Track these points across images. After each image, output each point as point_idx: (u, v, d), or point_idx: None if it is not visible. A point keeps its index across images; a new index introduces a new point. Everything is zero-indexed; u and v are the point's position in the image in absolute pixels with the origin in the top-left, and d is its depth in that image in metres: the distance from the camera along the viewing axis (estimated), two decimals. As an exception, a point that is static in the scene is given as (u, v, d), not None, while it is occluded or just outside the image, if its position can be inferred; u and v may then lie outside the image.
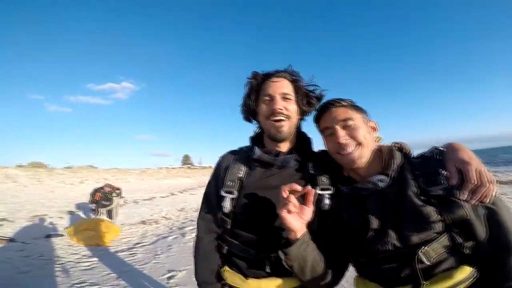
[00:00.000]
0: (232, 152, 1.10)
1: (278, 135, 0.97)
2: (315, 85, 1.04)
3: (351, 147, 0.88)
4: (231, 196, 0.94)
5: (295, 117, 1.00)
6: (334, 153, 0.94)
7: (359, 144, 0.89)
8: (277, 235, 0.90)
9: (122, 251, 4.29)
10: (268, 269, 0.90)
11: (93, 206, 5.91)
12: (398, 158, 0.88)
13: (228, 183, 0.97)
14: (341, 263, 0.93)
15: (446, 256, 0.75)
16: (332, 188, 0.93)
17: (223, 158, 1.09)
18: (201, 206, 1.08)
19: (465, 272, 0.73)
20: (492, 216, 0.73)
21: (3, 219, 5.89)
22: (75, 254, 4.04)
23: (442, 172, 0.78)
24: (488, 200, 0.73)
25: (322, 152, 1.05)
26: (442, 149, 0.86)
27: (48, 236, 4.84)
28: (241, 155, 1.06)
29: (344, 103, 0.94)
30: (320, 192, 0.91)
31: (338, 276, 0.92)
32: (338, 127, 0.90)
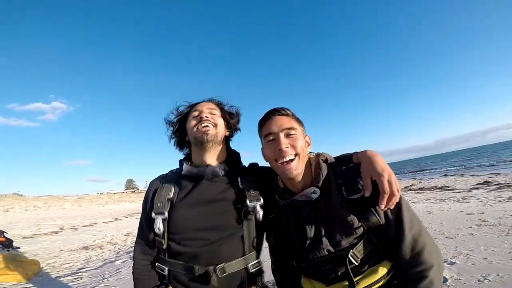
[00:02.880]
0: (162, 176, 1.12)
1: (204, 137, 1.01)
2: (233, 105, 1.21)
3: (289, 156, 0.91)
4: (161, 217, 0.96)
5: (222, 127, 1.09)
6: (272, 161, 0.96)
7: (297, 154, 0.93)
8: (217, 247, 0.94)
9: (65, 276, 4.05)
10: (215, 282, 0.91)
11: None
12: (324, 169, 0.95)
13: (158, 204, 0.98)
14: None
15: (370, 255, 0.88)
16: (261, 199, 1.00)
17: (152, 182, 1.10)
18: (137, 232, 1.09)
19: (386, 267, 0.87)
20: (397, 214, 0.86)
21: None
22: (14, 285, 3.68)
23: (360, 181, 0.88)
24: (393, 206, 0.85)
25: (250, 166, 1.16)
26: (358, 157, 0.94)
27: None
28: (170, 177, 1.08)
29: (289, 113, 0.98)
30: (251, 204, 0.98)
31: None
32: (282, 134, 0.93)
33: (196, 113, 1.07)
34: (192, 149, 1.11)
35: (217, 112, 1.11)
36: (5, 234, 5.73)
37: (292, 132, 0.94)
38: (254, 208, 0.98)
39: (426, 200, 8.38)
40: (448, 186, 11.03)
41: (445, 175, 18.13)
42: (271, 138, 0.96)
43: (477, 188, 9.26)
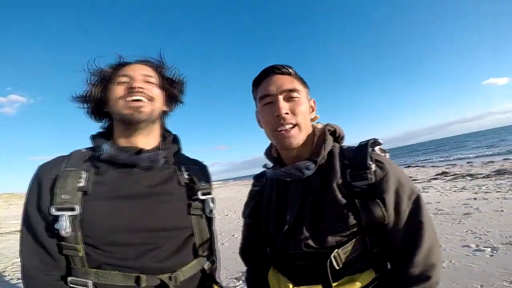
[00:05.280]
0: (61, 158, 0.78)
1: (136, 115, 0.78)
2: (175, 68, 0.94)
3: (289, 124, 0.78)
4: (70, 213, 0.69)
5: (159, 101, 0.86)
6: (268, 129, 0.82)
7: (297, 123, 0.78)
8: (164, 251, 0.75)
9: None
10: None
11: None
12: (329, 143, 0.81)
13: (62, 196, 0.70)
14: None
15: (356, 260, 0.73)
16: (212, 192, 0.88)
17: (45, 166, 0.76)
18: (22, 241, 0.72)
19: (370, 277, 0.72)
20: (415, 213, 0.72)
21: None
22: None
23: (371, 166, 0.73)
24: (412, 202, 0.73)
25: (194, 159, 0.98)
26: (381, 155, 0.79)
27: None
28: (78, 159, 0.78)
29: (291, 71, 0.82)
30: (202, 197, 0.84)
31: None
32: (281, 97, 0.78)
33: (124, 79, 0.81)
34: (115, 125, 0.84)
35: (154, 79, 0.86)
36: None
37: (294, 94, 0.79)
38: (206, 201, 0.84)
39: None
40: (410, 177, 11.65)
41: (408, 166, 19.28)
42: (268, 100, 0.80)
43: (436, 179, 9.94)
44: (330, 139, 0.82)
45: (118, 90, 0.80)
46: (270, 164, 0.92)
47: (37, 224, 0.71)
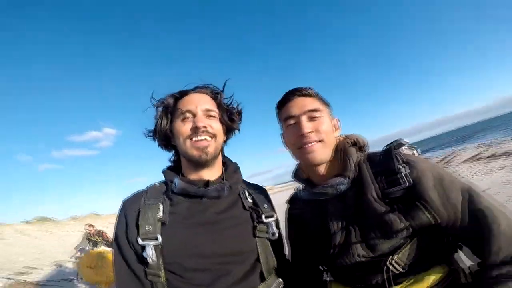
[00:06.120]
0: (140, 193, 0.87)
1: (203, 157, 0.83)
2: (233, 99, 0.96)
3: (313, 141, 0.81)
4: (153, 242, 0.74)
5: (220, 136, 0.89)
6: (293, 148, 0.86)
7: (321, 140, 0.81)
8: (233, 276, 0.77)
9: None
10: None
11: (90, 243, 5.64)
12: (354, 155, 0.82)
13: (146, 227, 0.76)
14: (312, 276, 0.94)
15: (418, 260, 0.72)
16: (275, 214, 0.87)
17: (128, 202, 0.85)
18: (116, 265, 0.80)
19: (440, 273, 0.71)
20: (470, 204, 0.67)
21: (32, 268, 7.12)
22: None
23: (401, 170, 0.72)
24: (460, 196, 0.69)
25: (254, 184, 1.00)
26: (409, 153, 0.80)
27: (69, 280, 5.80)
28: (154, 193, 0.85)
29: (312, 93, 0.86)
30: (266, 220, 0.84)
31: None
32: (304, 117, 0.82)
33: (187, 115, 0.85)
34: (183, 160, 0.91)
35: (215, 112, 0.89)
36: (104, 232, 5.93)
37: (316, 114, 0.83)
38: (269, 224, 0.85)
39: (501, 169, 6.88)
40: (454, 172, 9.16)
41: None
42: (292, 122, 0.85)
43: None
44: (353, 150, 0.84)
45: (183, 129, 0.84)
46: (300, 186, 0.95)
47: (127, 251, 0.79)
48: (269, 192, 1.00)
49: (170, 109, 0.89)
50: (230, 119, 0.94)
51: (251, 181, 1.00)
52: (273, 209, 0.91)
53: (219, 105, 0.91)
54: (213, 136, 0.85)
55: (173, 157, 0.96)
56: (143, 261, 0.75)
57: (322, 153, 0.81)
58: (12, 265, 7.34)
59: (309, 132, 0.80)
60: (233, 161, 1.00)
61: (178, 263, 0.76)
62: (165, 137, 0.91)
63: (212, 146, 0.85)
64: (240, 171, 0.97)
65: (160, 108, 0.90)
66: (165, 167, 0.93)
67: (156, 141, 0.93)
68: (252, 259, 0.82)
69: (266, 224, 0.84)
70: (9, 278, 6.03)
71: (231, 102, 0.95)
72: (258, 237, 0.83)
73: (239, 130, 0.99)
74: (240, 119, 0.98)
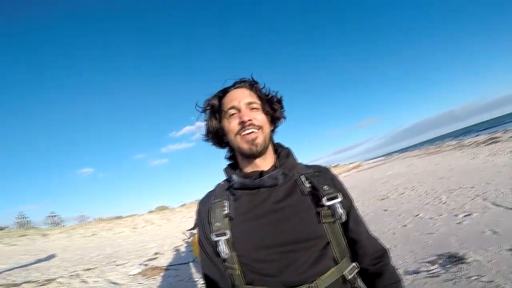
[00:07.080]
0: (210, 192, 0.96)
1: (253, 148, 0.86)
2: (269, 88, 0.97)
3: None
4: (224, 237, 0.80)
5: (266, 126, 0.91)
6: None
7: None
8: (304, 262, 0.78)
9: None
10: None
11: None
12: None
13: (216, 224, 0.83)
14: None
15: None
16: (339, 194, 0.82)
17: (201, 202, 0.95)
18: (202, 261, 0.91)
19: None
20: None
21: (157, 253, 7.85)
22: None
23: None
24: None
25: (313, 165, 0.99)
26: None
27: (188, 262, 6.17)
28: (220, 191, 0.93)
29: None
30: (328, 203, 0.80)
31: None
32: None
33: (232, 111, 0.88)
34: (237, 155, 0.94)
35: (257, 104, 0.90)
36: None
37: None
38: (333, 207, 0.80)
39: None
40: None
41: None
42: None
43: None
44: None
45: (232, 126, 0.88)
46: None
47: (207, 247, 0.88)
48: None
49: (216, 109, 0.94)
50: (272, 108, 0.95)
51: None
52: (336, 188, 0.85)
53: (259, 97, 0.93)
54: (260, 127, 0.88)
55: (228, 154, 1.01)
56: (219, 256, 0.82)
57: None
58: (145, 252, 8.38)
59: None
60: (286, 146, 1.00)
61: (247, 256, 0.80)
62: (217, 136, 0.96)
63: (260, 137, 0.87)
64: (292, 155, 0.97)
65: (207, 111, 0.96)
66: (226, 166, 0.98)
67: (211, 142, 0.99)
68: (321, 245, 0.80)
69: (330, 207, 0.81)
70: (145, 265, 6.75)
71: (269, 92, 0.96)
72: (324, 222, 0.80)
73: (285, 117, 1.00)
74: (282, 107, 0.99)
